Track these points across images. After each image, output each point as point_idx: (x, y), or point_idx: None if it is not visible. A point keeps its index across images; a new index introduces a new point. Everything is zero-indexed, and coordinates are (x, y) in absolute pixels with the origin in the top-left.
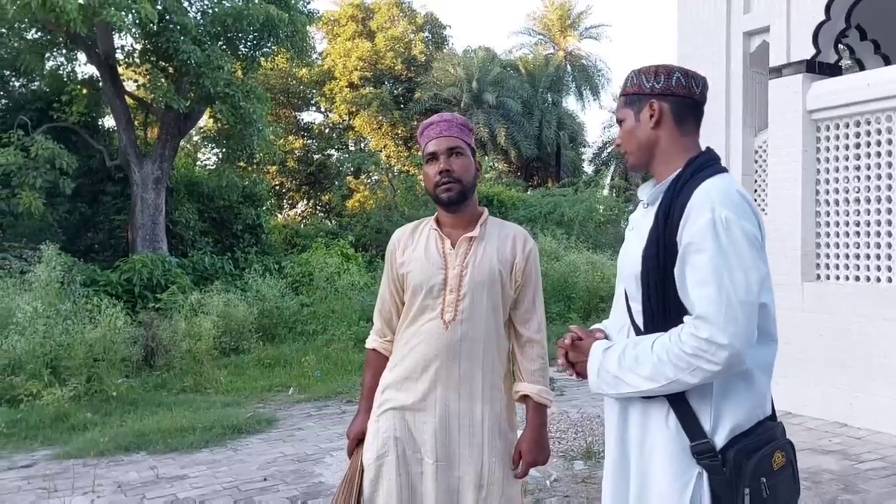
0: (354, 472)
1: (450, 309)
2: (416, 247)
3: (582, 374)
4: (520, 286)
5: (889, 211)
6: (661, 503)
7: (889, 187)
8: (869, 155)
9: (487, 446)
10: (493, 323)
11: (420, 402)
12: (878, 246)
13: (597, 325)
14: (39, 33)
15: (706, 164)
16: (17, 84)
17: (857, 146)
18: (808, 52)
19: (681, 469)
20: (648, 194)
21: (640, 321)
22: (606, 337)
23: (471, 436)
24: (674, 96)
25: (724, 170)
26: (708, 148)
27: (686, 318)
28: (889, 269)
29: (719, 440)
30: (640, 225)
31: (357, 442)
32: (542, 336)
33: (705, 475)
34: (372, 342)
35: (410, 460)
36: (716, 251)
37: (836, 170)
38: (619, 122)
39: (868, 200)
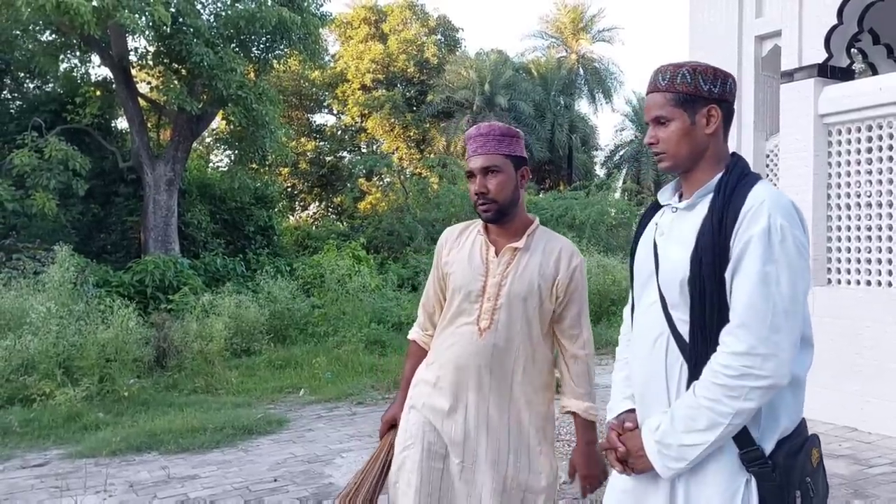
0: (380, 451)
1: (486, 316)
2: (461, 248)
3: (643, 468)
4: (562, 302)
5: None
6: None
7: None
8: (881, 159)
9: (513, 455)
10: (528, 335)
11: (450, 404)
12: (890, 250)
13: (622, 403)
14: (53, 35)
15: (747, 170)
16: (31, 86)
17: (869, 150)
18: (820, 56)
19: (730, 477)
20: (688, 199)
21: (683, 329)
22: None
23: (497, 442)
24: (726, 102)
25: (760, 176)
26: (735, 153)
27: (722, 338)
28: None
29: (768, 446)
30: (676, 229)
31: (388, 427)
32: (589, 353)
33: (753, 482)
34: (414, 334)
35: (435, 456)
36: (768, 259)
37: (848, 174)
38: (663, 120)
39: (880, 205)
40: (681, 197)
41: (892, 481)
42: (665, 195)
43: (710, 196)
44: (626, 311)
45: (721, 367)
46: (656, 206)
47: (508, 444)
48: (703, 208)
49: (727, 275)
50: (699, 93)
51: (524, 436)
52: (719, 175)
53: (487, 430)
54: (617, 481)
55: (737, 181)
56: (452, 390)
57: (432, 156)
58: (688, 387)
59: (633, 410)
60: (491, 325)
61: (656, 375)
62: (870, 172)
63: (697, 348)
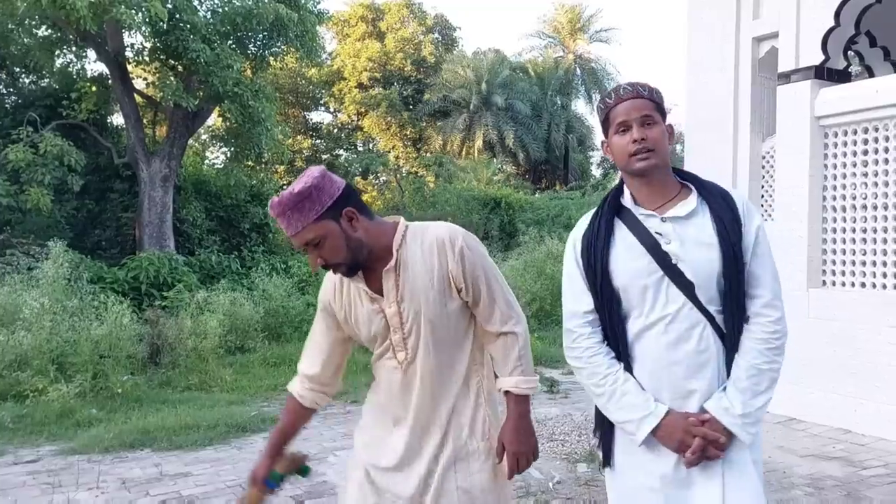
0: None
1: (400, 348)
2: (352, 306)
3: (724, 446)
4: (467, 289)
5: (895, 218)
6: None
7: None
8: (877, 162)
9: (448, 472)
10: (452, 340)
11: (390, 453)
12: (885, 253)
13: (659, 407)
14: (50, 30)
15: (690, 173)
16: (26, 81)
17: (865, 153)
18: (816, 58)
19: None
20: (687, 208)
21: (721, 319)
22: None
23: (437, 466)
24: None
25: None
26: None
27: (759, 310)
28: (895, 276)
29: None
30: (687, 235)
31: (252, 481)
32: (512, 325)
33: None
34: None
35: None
36: (768, 245)
37: (844, 176)
38: (650, 121)
39: (875, 207)
40: (635, 204)
41: (886, 483)
42: (628, 203)
43: (698, 200)
44: (579, 322)
45: (769, 334)
46: (610, 218)
47: (445, 463)
48: (701, 212)
49: (747, 260)
50: (664, 111)
51: (462, 447)
52: (678, 181)
53: (431, 458)
54: (639, 480)
55: (710, 184)
56: (386, 434)
57: (429, 154)
58: (727, 364)
59: (671, 411)
60: (408, 354)
61: (709, 364)
62: (865, 175)
63: (734, 328)
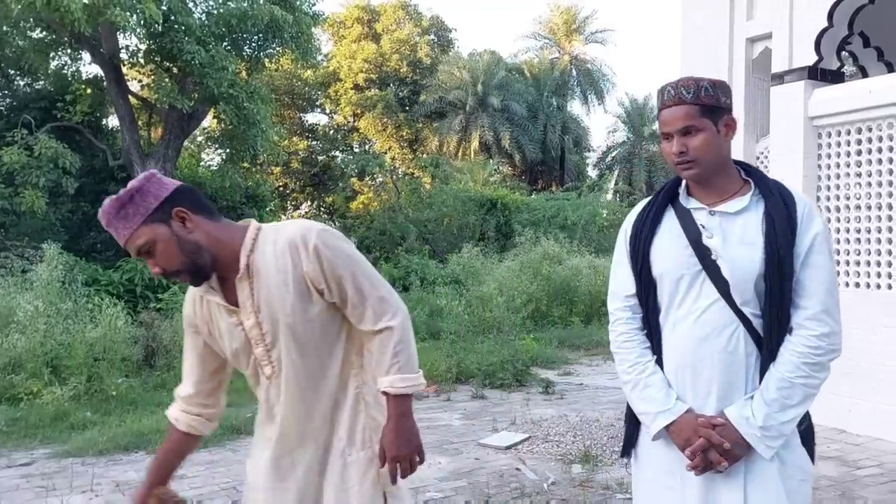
0: None
1: (265, 362)
2: (212, 322)
3: (739, 456)
4: (329, 289)
5: (890, 218)
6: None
7: (890, 194)
8: (870, 162)
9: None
10: (320, 347)
11: (266, 472)
12: (879, 253)
13: (678, 404)
14: (44, 33)
15: (758, 170)
16: (21, 83)
17: (859, 153)
18: (810, 58)
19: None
20: (738, 205)
21: (758, 324)
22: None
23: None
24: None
25: None
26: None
27: (802, 321)
28: (889, 276)
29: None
30: (732, 231)
31: None
32: (387, 320)
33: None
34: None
35: None
36: (829, 255)
37: (837, 176)
38: (692, 130)
39: (869, 207)
40: (688, 196)
41: (880, 483)
42: (683, 196)
43: (755, 198)
44: (620, 305)
45: (810, 348)
46: (662, 207)
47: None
48: (754, 210)
49: (796, 267)
50: (720, 104)
51: (339, 457)
52: (740, 177)
53: (316, 474)
54: (660, 476)
55: (771, 182)
56: (267, 456)
57: (425, 156)
58: (761, 372)
59: (690, 410)
60: (274, 368)
61: (736, 367)
62: (859, 175)
63: (773, 336)
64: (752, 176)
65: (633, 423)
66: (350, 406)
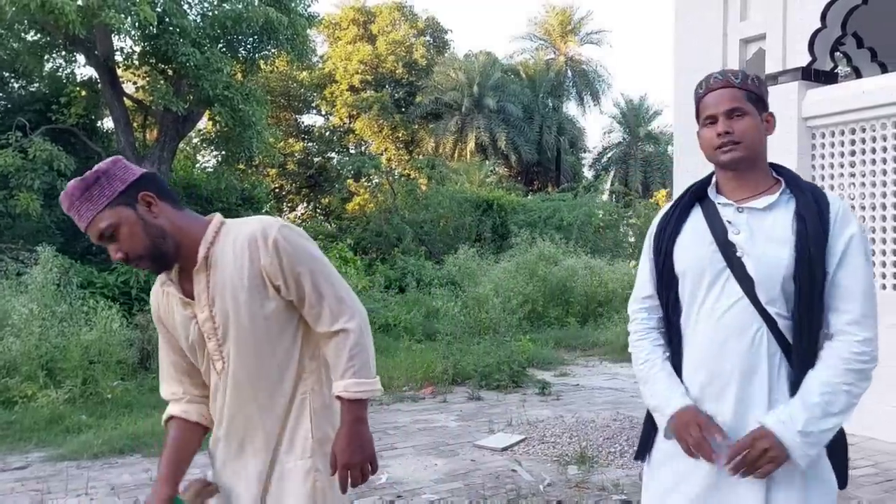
0: None
1: (217, 357)
2: (171, 313)
3: (778, 464)
4: (288, 287)
5: (883, 218)
6: None
7: (884, 194)
8: (864, 162)
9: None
10: (273, 346)
11: (229, 465)
12: (873, 253)
13: (681, 399)
14: (38, 35)
15: (789, 169)
16: (15, 85)
17: (853, 153)
18: (804, 59)
19: (828, 485)
20: (767, 200)
21: (785, 326)
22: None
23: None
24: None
25: None
26: None
27: (843, 327)
28: (882, 276)
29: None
30: (760, 228)
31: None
32: (343, 322)
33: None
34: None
35: None
36: (868, 257)
37: (832, 177)
38: (739, 112)
39: (863, 207)
40: (717, 194)
41: (875, 483)
42: (711, 193)
43: (785, 195)
44: (637, 307)
45: (854, 354)
46: (688, 205)
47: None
48: (784, 207)
49: (830, 269)
50: (764, 97)
51: (286, 462)
52: (771, 176)
53: (261, 476)
54: (673, 480)
55: (803, 182)
56: (223, 454)
57: (421, 157)
58: (793, 378)
59: (690, 406)
60: (225, 363)
61: (758, 369)
62: (853, 175)
63: (802, 339)
64: (783, 175)
65: (650, 424)
66: (295, 410)
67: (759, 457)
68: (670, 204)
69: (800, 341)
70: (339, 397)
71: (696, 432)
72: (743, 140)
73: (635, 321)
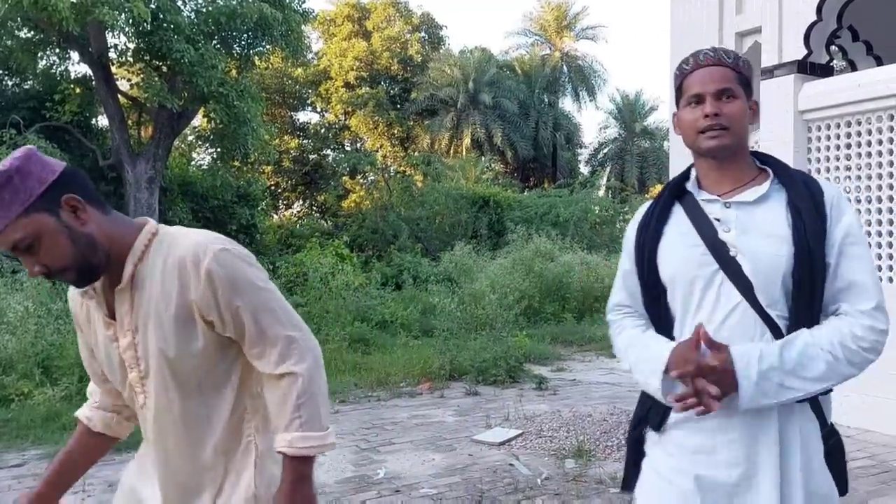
0: None
1: (139, 390)
2: (91, 325)
3: (725, 390)
4: (222, 322)
5: (879, 211)
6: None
7: (879, 187)
8: (860, 155)
9: None
10: (205, 385)
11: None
12: (869, 246)
13: (666, 345)
14: (32, 32)
15: (775, 157)
16: (9, 83)
17: (848, 146)
18: (799, 52)
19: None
20: (757, 193)
21: (784, 328)
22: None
23: None
24: None
25: None
26: None
27: (856, 310)
28: (878, 268)
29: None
30: (752, 224)
31: None
32: (291, 364)
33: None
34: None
35: None
36: (866, 244)
37: (828, 170)
38: (730, 94)
39: (859, 200)
40: (699, 188)
41: (871, 475)
42: (692, 188)
43: (775, 186)
44: (612, 316)
45: (857, 337)
46: (668, 204)
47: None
48: (776, 199)
49: (831, 260)
50: (750, 83)
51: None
52: (755, 166)
53: None
54: (673, 481)
55: (791, 170)
56: (147, 496)
57: (416, 154)
58: None
59: (686, 340)
60: (146, 399)
61: None
62: (849, 168)
63: None
64: (769, 164)
65: (635, 448)
66: (239, 457)
67: (706, 371)
68: (647, 205)
69: None
70: (281, 452)
71: (694, 365)
72: (731, 125)
73: (612, 323)
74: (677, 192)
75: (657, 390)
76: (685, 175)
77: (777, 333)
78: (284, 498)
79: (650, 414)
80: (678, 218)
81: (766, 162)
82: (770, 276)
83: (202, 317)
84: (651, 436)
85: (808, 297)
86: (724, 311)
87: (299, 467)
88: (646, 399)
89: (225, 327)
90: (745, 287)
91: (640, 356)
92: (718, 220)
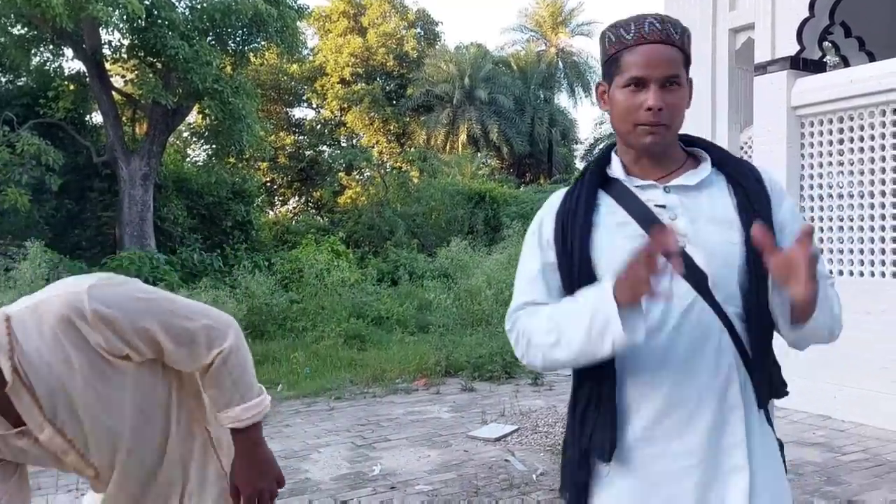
0: None
1: (84, 466)
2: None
3: (809, 295)
4: (136, 350)
5: (871, 206)
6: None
7: (871, 182)
8: (852, 150)
9: None
10: (149, 421)
11: None
12: (861, 241)
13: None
14: (25, 28)
15: (701, 138)
16: (2, 80)
17: (841, 142)
18: (792, 48)
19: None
20: (698, 177)
21: (740, 327)
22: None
23: None
24: None
25: None
26: None
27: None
28: (871, 263)
29: None
30: (699, 210)
31: None
32: (217, 348)
33: None
34: None
35: None
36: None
37: (820, 165)
38: (674, 82)
39: (851, 196)
40: (627, 175)
41: (864, 468)
42: (617, 173)
43: (713, 168)
44: (528, 308)
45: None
46: (592, 192)
47: None
48: (716, 183)
49: (780, 244)
50: (689, 58)
51: None
52: (682, 149)
53: None
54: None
55: (722, 151)
56: None
57: (412, 149)
58: (759, 397)
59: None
60: (97, 472)
61: (730, 387)
62: (841, 164)
63: (758, 344)
64: (697, 145)
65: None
66: (198, 455)
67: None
68: (561, 194)
69: (756, 346)
70: (231, 429)
71: (642, 267)
72: (672, 123)
73: (522, 315)
74: (600, 179)
75: (615, 321)
76: (604, 159)
77: (733, 333)
78: (246, 466)
79: (594, 437)
80: (608, 207)
81: (694, 143)
82: (725, 267)
83: (113, 356)
84: (600, 471)
85: (763, 290)
86: (678, 309)
87: (250, 435)
88: (585, 417)
89: (141, 352)
90: (698, 281)
91: (572, 308)
92: (663, 206)
